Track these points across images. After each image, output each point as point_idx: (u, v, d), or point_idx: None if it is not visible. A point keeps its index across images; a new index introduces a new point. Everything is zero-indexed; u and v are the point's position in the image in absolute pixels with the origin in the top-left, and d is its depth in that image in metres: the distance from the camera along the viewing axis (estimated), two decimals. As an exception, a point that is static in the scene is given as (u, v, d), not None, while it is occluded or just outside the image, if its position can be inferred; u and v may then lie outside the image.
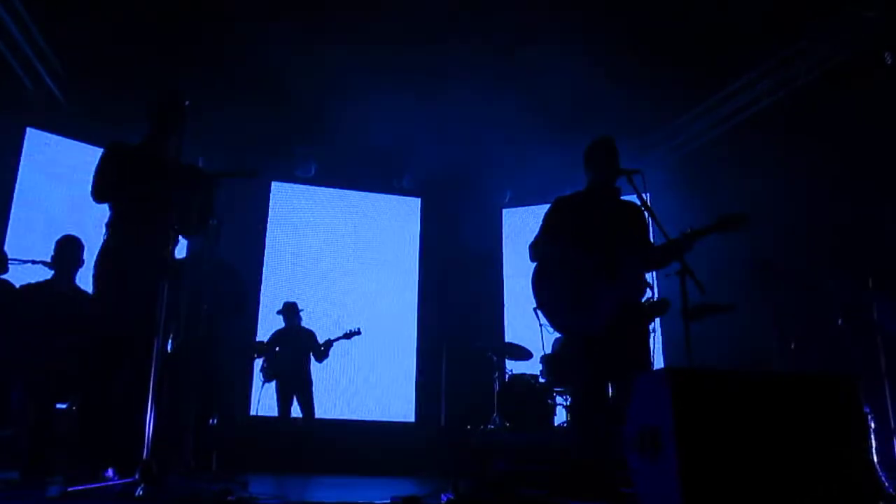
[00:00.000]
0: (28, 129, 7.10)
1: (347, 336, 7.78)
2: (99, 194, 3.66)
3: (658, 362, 5.56)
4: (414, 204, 9.31)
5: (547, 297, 3.82)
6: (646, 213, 3.94)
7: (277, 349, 7.80)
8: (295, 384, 7.70)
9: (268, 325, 8.25)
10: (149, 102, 3.82)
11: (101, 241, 3.69)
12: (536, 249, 4.00)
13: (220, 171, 3.88)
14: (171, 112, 3.77)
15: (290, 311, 7.96)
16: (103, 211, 3.71)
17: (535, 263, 3.93)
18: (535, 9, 6.19)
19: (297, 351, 7.76)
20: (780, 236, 6.32)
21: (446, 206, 8.95)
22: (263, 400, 7.72)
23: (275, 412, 7.63)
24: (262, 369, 7.74)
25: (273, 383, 7.71)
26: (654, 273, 6.68)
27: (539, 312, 3.99)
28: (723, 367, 2.80)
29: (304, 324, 7.94)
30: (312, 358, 7.84)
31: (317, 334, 7.92)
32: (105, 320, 3.54)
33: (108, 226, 3.70)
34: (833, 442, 2.64)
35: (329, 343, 7.78)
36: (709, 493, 2.46)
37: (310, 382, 7.78)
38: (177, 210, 3.75)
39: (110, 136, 3.90)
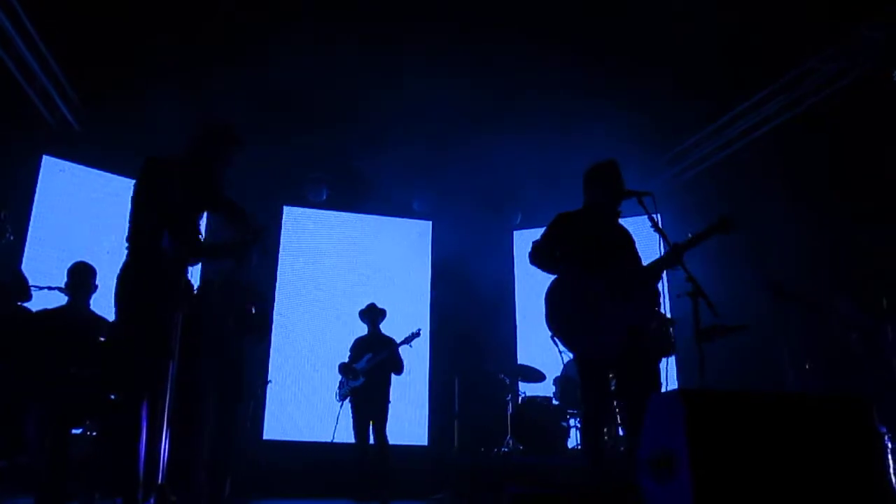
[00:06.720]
0: (44, 157, 7.17)
1: (408, 340, 6.83)
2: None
3: (671, 383, 5.54)
4: (425, 227, 9.35)
5: (560, 321, 3.83)
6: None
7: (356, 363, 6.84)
8: (374, 404, 6.62)
9: (280, 348, 8.26)
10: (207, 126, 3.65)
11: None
12: (539, 252, 4.01)
13: (230, 201, 3.64)
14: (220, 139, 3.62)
15: (374, 313, 7.00)
16: (120, 238, 3.58)
17: (547, 287, 3.94)
18: (543, 36, 6.24)
19: (380, 363, 6.70)
20: (790, 257, 6.31)
21: (457, 229, 8.97)
22: (342, 425, 6.77)
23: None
24: (340, 385, 6.82)
25: (349, 406, 6.70)
26: (666, 294, 6.70)
27: (556, 340, 4.00)
28: (736, 388, 2.80)
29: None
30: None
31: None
32: (128, 344, 3.37)
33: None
34: (849, 463, 2.63)
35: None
36: (724, 515, 2.45)
37: (388, 402, 6.70)
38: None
39: (125, 163, 3.75)
